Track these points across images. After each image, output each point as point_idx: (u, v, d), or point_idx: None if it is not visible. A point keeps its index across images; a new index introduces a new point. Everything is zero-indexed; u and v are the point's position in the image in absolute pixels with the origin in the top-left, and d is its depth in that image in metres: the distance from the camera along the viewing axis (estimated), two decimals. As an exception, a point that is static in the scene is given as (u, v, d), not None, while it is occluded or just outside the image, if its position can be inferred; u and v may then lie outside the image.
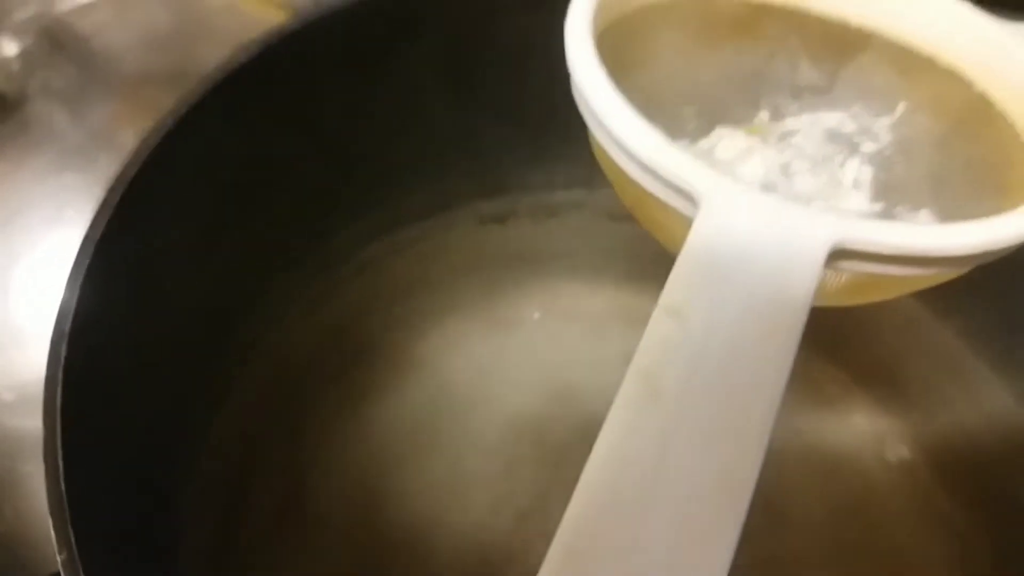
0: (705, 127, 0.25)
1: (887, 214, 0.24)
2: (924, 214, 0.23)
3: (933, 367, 0.28)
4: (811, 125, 0.25)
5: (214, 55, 0.52)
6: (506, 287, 0.31)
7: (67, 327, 0.17)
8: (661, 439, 0.14)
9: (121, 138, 0.48)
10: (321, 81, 0.26)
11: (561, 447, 0.27)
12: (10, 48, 0.48)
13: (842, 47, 0.25)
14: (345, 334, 0.28)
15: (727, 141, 0.25)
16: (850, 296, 0.19)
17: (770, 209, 0.16)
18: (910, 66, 0.24)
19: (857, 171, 0.25)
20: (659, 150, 0.17)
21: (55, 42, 0.52)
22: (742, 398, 0.14)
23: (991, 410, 0.27)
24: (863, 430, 0.28)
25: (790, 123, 0.26)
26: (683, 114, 0.25)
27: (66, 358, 0.16)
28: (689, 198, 0.17)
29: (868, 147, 0.25)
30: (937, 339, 0.28)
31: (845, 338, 0.31)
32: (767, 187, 0.24)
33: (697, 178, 0.17)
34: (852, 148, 0.25)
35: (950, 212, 0.23)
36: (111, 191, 0.20)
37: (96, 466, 0.17)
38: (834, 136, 0.25)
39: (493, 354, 0.30)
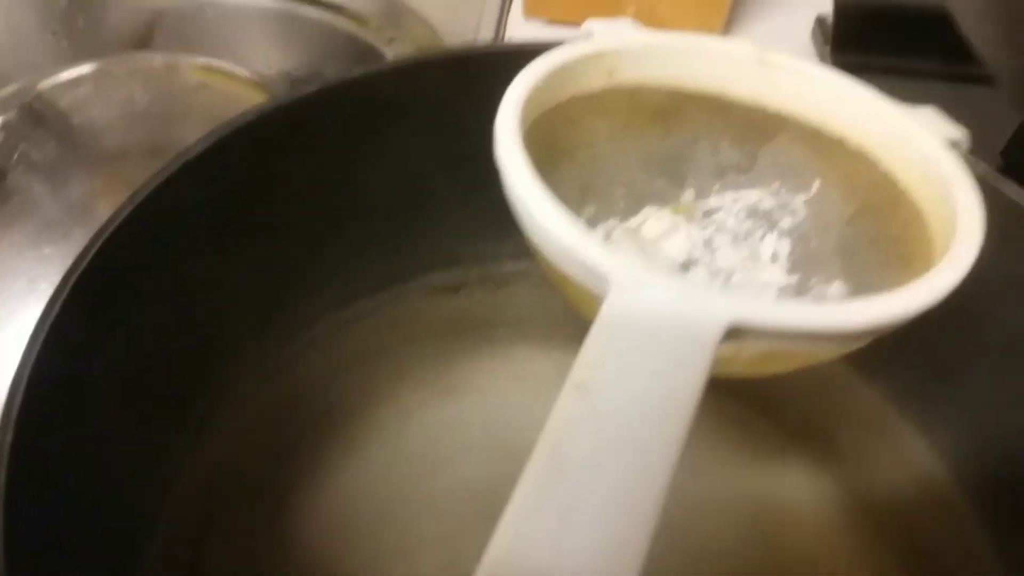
0: (634, 206, 0.27)
1: (802, 286, 0.26)
2: (836, 286, 0.25)
3: (862, 426, 0.30)
4: (733, 202, 0.27)
5: (190, 132, 0.54)
6: (459, 354, 0.33)
7: (16, 404, 0.18)
8: (564, 511, 0.15)
9: (98, 212, 0.50)
10: (278, 164, 0.28)
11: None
12: (-7, 121, 0.49)
13: (761, 130, 0.27)
14: (299, 406, 0.29)
15: (654, 220, 0.26)
16: (762, 366, 0.21)
17: (672, 291, 0.17)
18: (823, 147, 0.26)
19: (775, 245, 0.26)
20: (573, 237, 0.19)
21: (37, 116, 0.54)
22: (640, 467, 0.16)
23: (915, 467, 0.28)
24: (798, 486, 0.30)
25: (713, 201, 0.27)
26: (615, 194, 0.27)
27: (13, 436, 0.17)
28: (601, 280, 0.18)
29: (786, 222, 0.27)
30: (865, 399, 0.30)
31: (782, 397, 0.32)
32: (689, 263, 0.26)
33: (606, 262, 0.18)
34: (771, 223, 0.27)
35: (860, 284, 0.25)
36: (70, 271, 0.22)
37: (40, 546, 0.17)
38: (754, 212, 0.27)
39: (446, 419, 0.31)
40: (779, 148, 0.27)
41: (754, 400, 0.33)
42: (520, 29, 0.57)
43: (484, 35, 0.56)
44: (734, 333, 0.18)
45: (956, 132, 0.24)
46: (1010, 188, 0.27)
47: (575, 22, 0.57)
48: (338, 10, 0.59)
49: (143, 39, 0.57)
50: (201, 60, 0.53)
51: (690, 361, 0.17)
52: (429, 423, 0.31)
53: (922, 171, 0.23)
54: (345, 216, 0.29)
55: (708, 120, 0.27)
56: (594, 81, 0.26)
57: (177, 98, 0.51)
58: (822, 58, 0.55)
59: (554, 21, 0.57)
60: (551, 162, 0.26)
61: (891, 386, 0.30)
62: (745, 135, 0.27)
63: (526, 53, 0.25)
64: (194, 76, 0.52)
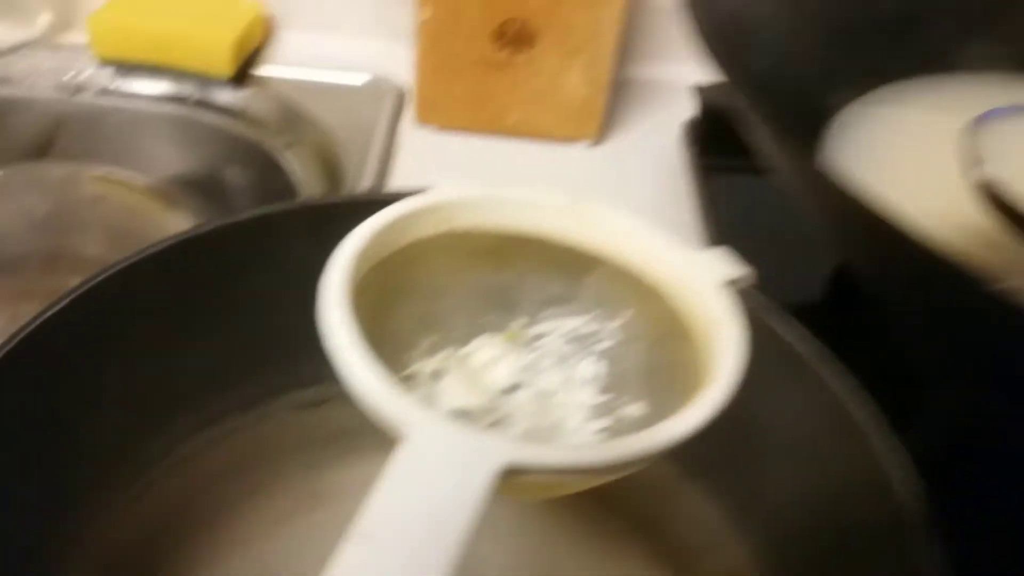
0: (469, 335, 0.30)
1: (611, 405, 0.29)
2: (637, 406, 0.29)
3: (687, 522, 0.33)
4: (557, 329, 0.31)
5: (88, 242, 0.57)
6: (325, 464, 0.35)
7: None
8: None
9: (-3, 319, 0.51)
10: (153, 301, 0.31)
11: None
12: None
13: (579, 265, 0.31)
14: (169, 523, 0.31)
15: (485, 348, 0.30)
16: (551, 491, 0.24)
17: (454, 439, 0.21)
18: (629, 282, 0.30)
19: (591, 368, 0.30)
20: (372, 390, 0.22)
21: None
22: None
23: (730, 566, 0.31)
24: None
25: (540, 328, 0.31)
26: (452, 325, 0.30)
27: None
28: (394, 428, 0.21)
29: (600, 347, 0.30)
30: (689, 498, 0.33)
31: (625, 493, 0.36)
32: (515, 386, 0.29)
33: (398, 414, 0.21)
34: (588, 348, 0.30)
35: (657, 405, 0.28)
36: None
37: None
38: (575, 338, 0.31)
39: (313, 528, 0.33)
40: (595, 281, 0.31)
41: (603, 497, 0.36)
42: (412, 135, 0.62)
43: (378, 140, 0.60)
44: (512, 472, 0.21)
45: (741, 271, 0.29)
46: (783, 322, 0.31)
47: (464, 128, 0.61)
48: (237, 116, 0.63)
49: (44, 146, 0.59)
50: (100, 171, 0.56)
51: (469, 501, 0.20)
52: (296, 532, 0.33)
53: (700, 308, 0.27)
54: (213, 344, 0.32)
55: (535, 257, 0.31)
56: (430, 228, 0.29)
57: (75, 208, 0.53)
58: (690, 159, 0.60)
59: (444, 127, 0.61)
60: (393, 299, 0.29)
61: (710, 486, 0.33)
62: (566, 270, 0.31)
63: (377, 203, 0.28)
64: (92, 187, 0.55)
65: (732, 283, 0.28)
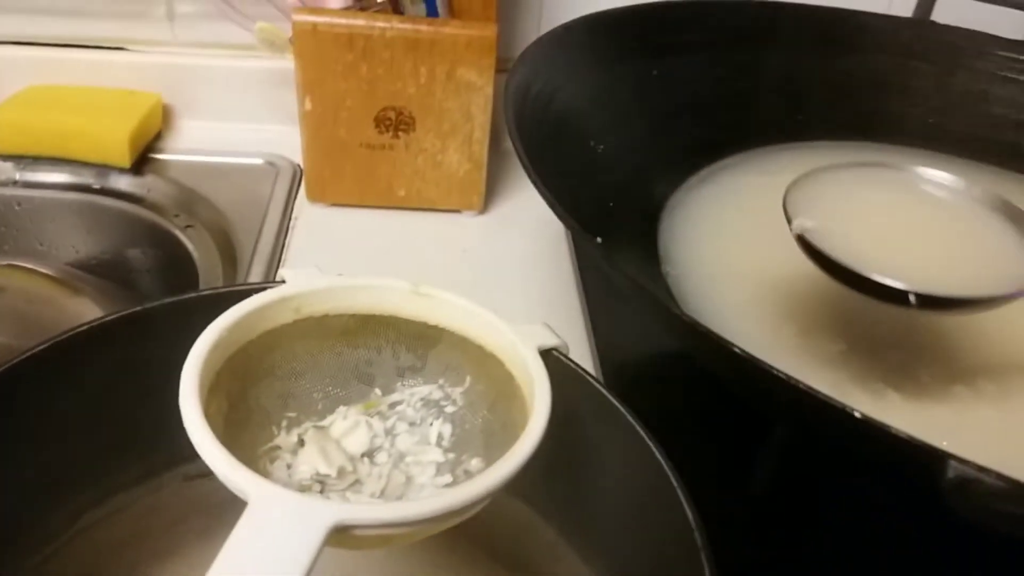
0: (330, 407, 0.34)
1: (456, 461, 0.33)
2: (475, 462, 0.33)
3: (544, 558, 0.37)
4: (411, 396, 0.35)
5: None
6: (217, 530, 0.38)
7: None
8: None
9: None
10: (44, 396, 0.34)
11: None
12: None
13: (427, 339, 0.35)
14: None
15: (342, 419, 0.34)
16: (386, 541, 0.28)
17: (289, 504, 0.24)
18: (470, 351, 0.34)
19: (440, 429, 0.34)
20: (223, 467, 0.26)
21: None
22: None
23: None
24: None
25: (396, 396, 0.35)
26: (313, 399, 0.34)
27: None
28: (243, 497, 0.25)
29: (448, 410, 0.34)
30: (544, 535, 0.37)
31: (495, 536, 0.39)
32: (372, 451, 0.33)
33: (243, 485, 0.25)
34: (438, 411, 0.35)
35: (491, 460, 0.32)
36: None
37: None
38: (427, 403, 0.35)
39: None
40: (441, 352, 0.35)
41: (477, 537, 0.40)
42: (307, 211, 0.65)
43: (272, 218, 0.64)
44: (341, 528, 0.25)
45: (555, 340, 0.33)
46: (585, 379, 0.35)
47: (353, 204, 0.66)
48: (137, 201, 0.66)
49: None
50: (3, 262, 0.58)
51: (303, 555, 0.24)
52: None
53: (523, 371, 0.32)
54: (109, 423, 0.35)
55: (387, 334, 0.35)
56: (284, 317, 0.33)
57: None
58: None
59: (335, 204, 0.66)
60: (258, 380, 0.33)
61: (562, 525, 0.37)
62: (416, 343, 0.35)
63: (239, 295, 0.32)
64: (-4, 276, 0.57)
65: (549, 351, 0.33)
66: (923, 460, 0.23)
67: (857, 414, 0.24)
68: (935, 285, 0.38)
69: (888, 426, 0.24)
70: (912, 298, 0.37)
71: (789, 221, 0.42)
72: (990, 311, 0.38)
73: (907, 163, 0.46)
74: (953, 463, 0.23)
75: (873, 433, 0.24)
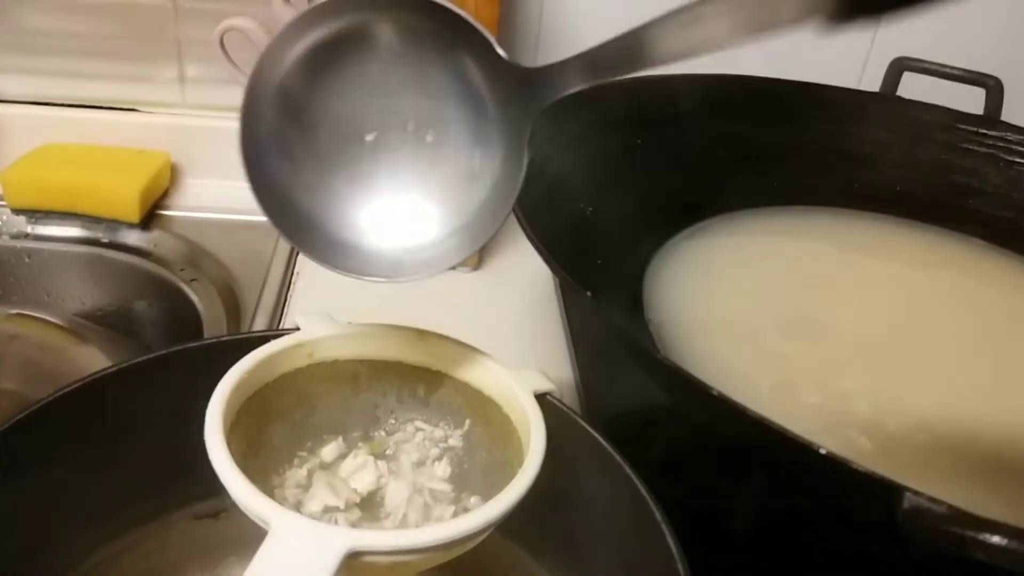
0: (340, 447, 0.37)
1: (457, 498, 0.36)
2: (474, 500, 0.35)
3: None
4: (414, 436, 0.37)
5: (4, 378, 0.60)
6: (225, 569, 0.40)
7: None
8: None
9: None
10: (60, 448, 0.36)
11: None
12: None
13: (430, 383, 0.37)
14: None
15: (350, 459, 0.36)
16: (398, 571, 0.30)
17: (307, 531, 0.27)
18: (470, 395, 0.37)
19: (443, 468, 0.37)
20: (246, 496, 0.28)
21: None
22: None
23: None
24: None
25: (399, 436, 0.37)
26: (324, 439, 0.37)
27: None
28: (264, 524, 0.27)
29: (450, 451, 0.37)
30: (538, 573, 0.40)
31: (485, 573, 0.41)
32: (378, 490, 0.35)
33: (265, 512, 0.27)
34: (442, 451, 0.37)
35: (489, 497, 0.35)
36: None
37: None
38: (429, 443, 0.37)
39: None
40: (443, 396, 0.37)
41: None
42: (308, 267, 0.68)
43: (275, 273, 0.66)
44: (355, 554, 0.27)
45: (549, 385, 0.36)
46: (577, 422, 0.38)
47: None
48: (145, 255, 0.68)
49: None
50: (14, 311, 0.60)
51: (322, 576, 0.26)
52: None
53: (519, 414, 0.34)
54: (119, 464, 0.37)
55: (392, 379, 0.37)
56: (298, 361, 0.35)
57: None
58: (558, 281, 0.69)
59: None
60: (273, 421, 0.35)
61: (553, 565, 0.39)
62: (419, 388, 0.38)
63: (253, 342, 0.34)
64: (8, 325, 0.59)
65: (543, 395, 0.36)
66: (881, 492, 0.26)
67: (823, 451, 0.27)
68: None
69: (850, 461, 0.26)
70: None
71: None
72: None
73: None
74: (908, 494, 0.26)
75: (836, 468, 0.26)
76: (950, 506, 0.25)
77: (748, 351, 0.49)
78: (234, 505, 0.29)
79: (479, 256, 0.70)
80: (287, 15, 0.61)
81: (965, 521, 0.23)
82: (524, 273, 0.71)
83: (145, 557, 0.39)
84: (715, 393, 0.30)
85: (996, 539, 0.22)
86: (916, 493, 0.25)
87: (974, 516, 0.23)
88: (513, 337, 0.63)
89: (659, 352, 0.37)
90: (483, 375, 0.36)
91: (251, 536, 0.28)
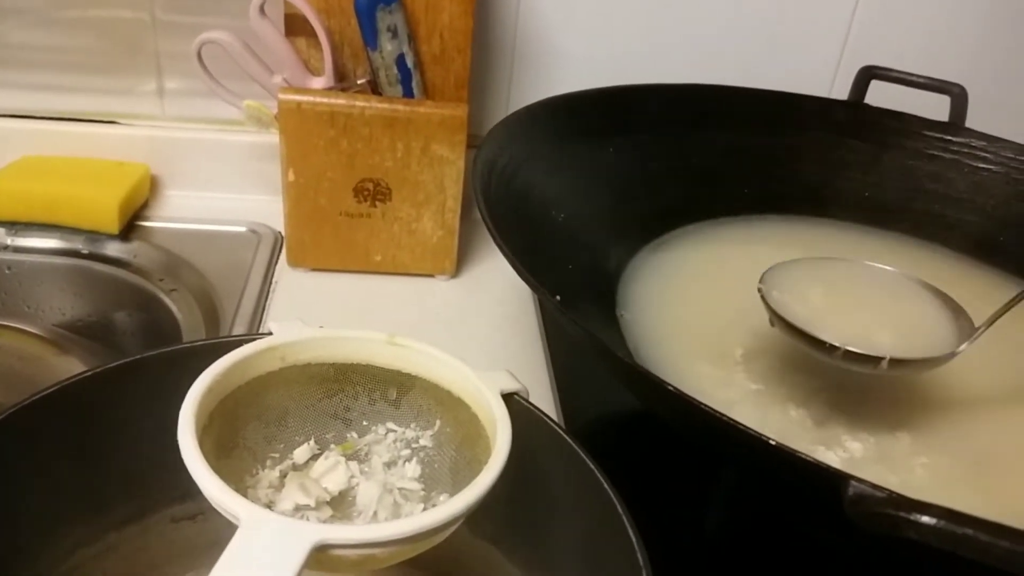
0: (312, 448, 0.37)
1: (427, 497, 0.36)
2: (443, 497, 0.36)
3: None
4: (385, 437, 0.38)
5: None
6: (206, 570, 0.41)
7: None
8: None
9: None
10: (42, 448, 0.36)
11: None
12: None
13: (400, 385, 0.38)
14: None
15: (321, 459, 0.37)
16: (366, 564, 0.31)
17: (275, 525, 0.28)
18: (441, 396, 0.38)
19: (413, 468, 0.37)
20: (216, 491, 0.29)
21: None
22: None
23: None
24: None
25: (371, 437, 0.38)
26: (295, 441, 0.37)
27: None
28: (234, 519, 0.28)
29: (420, 451, 0.38)
30: (510, 573, 0.40)
31: (460, 570, 0.42)
32: (349, 489, 0.36)
33: (235, 508, 0.28)
34: (412, 451, 0.38)
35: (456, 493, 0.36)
36: None
37: None
38: (400, 444, 0.38)
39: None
40: (414, 398, 0.38)
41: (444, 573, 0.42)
42: (287, 275, 0.69)
43: (253, 282, 0.67)
44: (323, 547, 0.28)
45: (516, 385, 0.37)
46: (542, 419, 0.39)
47: (332, 268, 0.69)
48: (124, 265, 0.69)
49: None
50: (-5, 321, 0.61)
51: (288, 570, 0.27)
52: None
53: (487, 413, 0.35)
54: (97, 468, 0.38)
55: (363, 381, 0.38)
56: (271, 365, 0.36)
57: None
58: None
59: (314, 269, 0.69)
60: (247, 422, 0.36)
61: (526, 562, 0.40)
62: (390, 390, 0.38)
63: (227, 346, 0.35)
64: (-13, 337, 0.60)
65: (511, 395, 0.36)
66: (829, 481, 0.27)
67: (772, 442, 0.28)
68: (863, 343, 0.42)
69: (797, 451, 0.27)
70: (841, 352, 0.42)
71: (764, 299, 0.47)
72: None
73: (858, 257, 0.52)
74: (853, 482, 0.27)
75: (784, 458, 0.27)
76: (890, 492, 0.26)
77: (717, 354, 0.50)
78: (211, 508, 0.30)
79: (456, 264, 0.71)
80: (264, 28, 0.62)
81: (900, 504, 0.25)
82: (504, 279, 0.72)
83: (125, 559, 0.39)
84: (671, 389, 0.31)
85: (926, 519, 0.23)
86: (860, 481, 0.27)
87: (909, 499, 0.24)
88: (490, 344, 0.64)
89: (626, 352, 0.38)
90: (452, 376, 0.37)
91: (229, 537, 0.28)
